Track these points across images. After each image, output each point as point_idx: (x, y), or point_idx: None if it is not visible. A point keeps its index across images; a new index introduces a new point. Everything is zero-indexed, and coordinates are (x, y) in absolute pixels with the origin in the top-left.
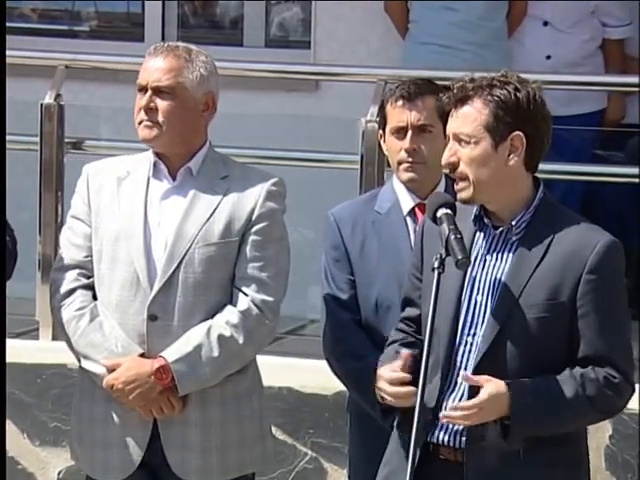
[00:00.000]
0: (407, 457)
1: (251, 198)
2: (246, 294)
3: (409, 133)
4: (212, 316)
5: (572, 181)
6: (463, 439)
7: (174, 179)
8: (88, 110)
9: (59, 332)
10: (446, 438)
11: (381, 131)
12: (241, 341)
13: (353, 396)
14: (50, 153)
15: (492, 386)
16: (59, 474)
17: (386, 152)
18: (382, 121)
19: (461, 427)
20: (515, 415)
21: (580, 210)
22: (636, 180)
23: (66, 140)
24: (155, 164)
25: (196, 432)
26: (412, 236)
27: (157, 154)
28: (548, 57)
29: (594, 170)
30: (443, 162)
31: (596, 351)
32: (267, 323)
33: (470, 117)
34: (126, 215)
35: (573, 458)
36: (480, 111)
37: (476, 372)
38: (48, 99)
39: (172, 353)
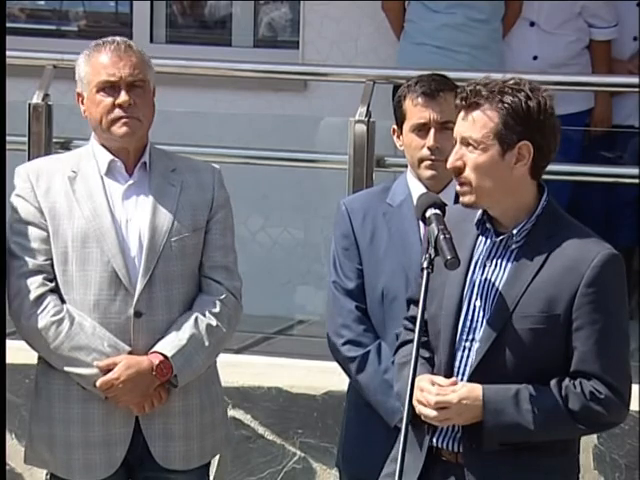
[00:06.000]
0: (414, 458)
1: (207, 187)
2: (220, 282)
3: (432, 130)
4: (189, 307)
5: (561, 181)
6: (460, 445)
7: (130, 175)
8: (76, 110)
9: (30, 339)
10: (444, 443)
11: (395, 127)
12: (225, 329)
13: (353, 384)
14: (38, 153)
15: (465, 390)
16: (47, 474)
17: (400, 148)
18: (399, 117)
19: (458, 433)
20: (486, 419)
21: (566, 210)
22: (636, 180)
23: (54, 140)
24: (110, 162)
25: (179, 421)
26: (422, 230)
27: (110, 151)
28: (535, 58)
29: (589, 170)
30: (449, 165)
31: (587, 365)
32: (240, 308)
33: (480, 123)
34: (91, 216)
35: (565, 466)
36: (491, 118)
37: (471, 379)
38: (36, 99)
39: (169, 347)
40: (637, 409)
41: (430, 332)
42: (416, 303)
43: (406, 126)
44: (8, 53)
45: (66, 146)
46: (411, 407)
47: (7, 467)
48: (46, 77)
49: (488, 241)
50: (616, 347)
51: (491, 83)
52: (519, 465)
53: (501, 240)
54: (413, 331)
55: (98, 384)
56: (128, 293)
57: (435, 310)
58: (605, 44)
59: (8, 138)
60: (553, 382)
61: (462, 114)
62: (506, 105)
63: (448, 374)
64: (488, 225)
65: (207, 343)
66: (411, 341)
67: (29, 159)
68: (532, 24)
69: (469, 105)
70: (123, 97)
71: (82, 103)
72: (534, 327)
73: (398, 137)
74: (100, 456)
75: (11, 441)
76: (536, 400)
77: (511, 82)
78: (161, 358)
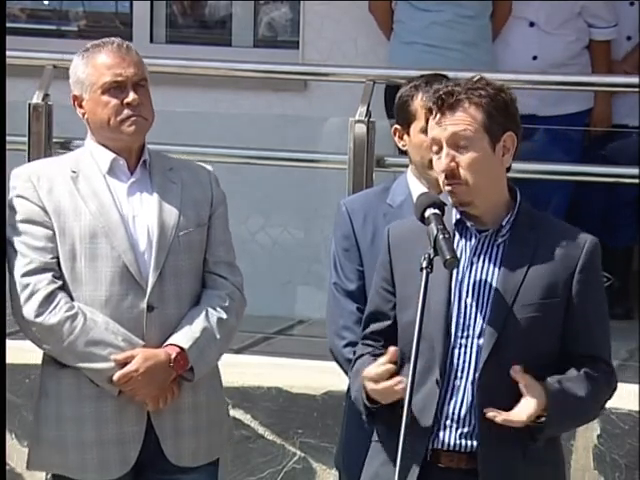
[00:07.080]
0: (403, 469)
1: (205, 184)
2: (225, 277)
3: None
4: (196, 301)
5: (561, 181)
6: (474, 442)
7: (131, 173)
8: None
9: (42, 337)
10: (453, 442)
11: (397, 127)
12: (234, 322)
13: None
14: (38, 153)
15: (535, 392)
16: (47, 475)
17: (403, 148)
18: (406, 118)
19: (469, 429)
20: (550, 417)
21: (567, 209)
22: (636, 180)
23: (54, 140)
24: (112, 160)
25: (188, 416)
26: None
27: (112, 151)
28: (534, 58)
29: (589, 170)
30: (443, 168)
31: (589, 347)
32: (245, 302)
33: (465, 120)
34: (98, 212)
35: (559, 456)
36: (474, 114)
37: (482, 374)
38: (36, 99)
39: (184, 340)
40: (637, 409)
41: (405, 339)
42: (377, 318)
43: (416, 126)
44: (8, 53)
45: (66, 146)
46: (410, 408)
47: (7, 467)
48: (46, 77)
49: (469, 241)
50: (607, 326)
51: (462, 83)
52: (528, 459)
53: (486, 236)
54: (374, 347)
55: (116, 377)
56: (140, 288)
57: (413, 316)
58: (605, 44)
59: (8, 138)
60: (574, 371)
61: (438, 119)
62: (485, 99)
63: (445, 374)
64: (469, 224)
65: (218, 336)
66: (366, 354)
67: (29, 159)
68: (532, 24)
69: (447, 106)
70: (132, 96)
71: (80, 106)
72: (534, 315)
73: (400, 137)
74: (115, 455)
75: (11, 441)
76: (576, 391)
77: (476, 79)
78: (178, 350)
